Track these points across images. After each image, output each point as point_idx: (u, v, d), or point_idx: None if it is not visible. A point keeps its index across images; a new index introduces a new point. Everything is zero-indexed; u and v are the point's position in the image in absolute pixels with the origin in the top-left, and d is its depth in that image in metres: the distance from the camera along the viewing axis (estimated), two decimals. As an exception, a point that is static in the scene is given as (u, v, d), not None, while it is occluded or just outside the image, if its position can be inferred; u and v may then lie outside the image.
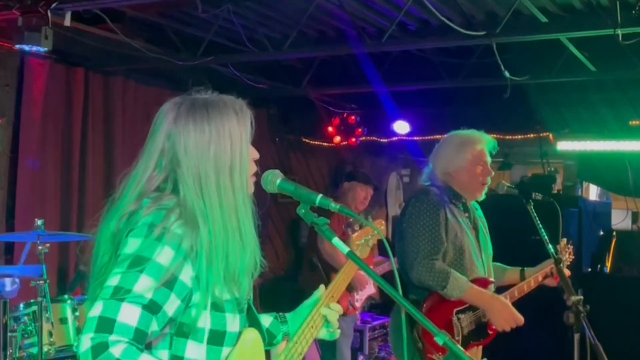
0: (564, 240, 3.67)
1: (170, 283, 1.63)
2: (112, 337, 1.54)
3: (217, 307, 1.72)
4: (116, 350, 1.53)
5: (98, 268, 1.74)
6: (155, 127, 1.82)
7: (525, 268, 3.68)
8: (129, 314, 1.57)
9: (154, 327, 1.61)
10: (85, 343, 1.54)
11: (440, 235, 3.35)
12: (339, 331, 2.16)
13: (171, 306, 1.64)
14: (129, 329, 1.56)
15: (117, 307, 1.57)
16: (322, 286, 2.17)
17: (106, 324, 1.55)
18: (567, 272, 3.52)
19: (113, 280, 1.61)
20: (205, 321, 1.71)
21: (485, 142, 3.56)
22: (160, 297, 1.61)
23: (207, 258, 1.69)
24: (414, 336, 3.24)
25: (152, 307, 1.60)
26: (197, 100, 1.82)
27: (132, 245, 1.66)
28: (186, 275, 1.66)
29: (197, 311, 1.70)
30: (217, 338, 1.73)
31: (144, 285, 1.60)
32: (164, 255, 1.63)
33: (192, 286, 1.68)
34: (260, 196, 1.89)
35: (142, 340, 1.59)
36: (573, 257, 3.75)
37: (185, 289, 1.66)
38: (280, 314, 2.16)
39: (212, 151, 1.76)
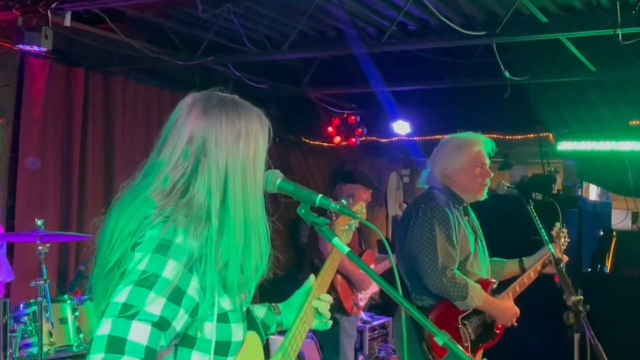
0: (557, 224, 3.65)
1: (178, 298, 1.60)
2: (125, 358, 1.51)
3: (223, 319, 1.71)
4: None
5: (106, 267, 1.69)
6: (177, 117, 1.78)
7: (524, 258, 3.68)
8: (140, 333, 1.53)
9: (162, 342, 1.59)
10: None
11: (454, 243, 3.36)
12: (331, 322, 2.15)
13: (180, 322, 1.61)
14: (140, 348, 1.53)
15: (128, 326, 1.53)
16: (312, 276, 2.17)
17: (117, 344, 1.51)
18: (565, 258, 3.54)
19: (120, 297, 1.57)
20: (211, 333, 1.69)
21: (482, 143, 3.55)
22: (169, 313, 1.58)
23: (222, 259, 1.67)
24: (423, 348, 3.23)
25: (161, 324, 1.57)
26: (224, 96, 1.82)
27: (138, 260, 1.61)
28: (193, 288, 1.63)
29: (203, 323, 1.67)
30: (222, 349, 1.71)
31: (153, 302, 1.56)
32: (172, 271, 1.60)
33: (198, 299, 1.65)
34: (271, 203, 1.88)
35: (152, 358, 1.56)
36: (569, 240, 3.75)
37: (192, 302, 1.63)
38: (273, 304, 2.15)
39: (241, 147, 1.75)
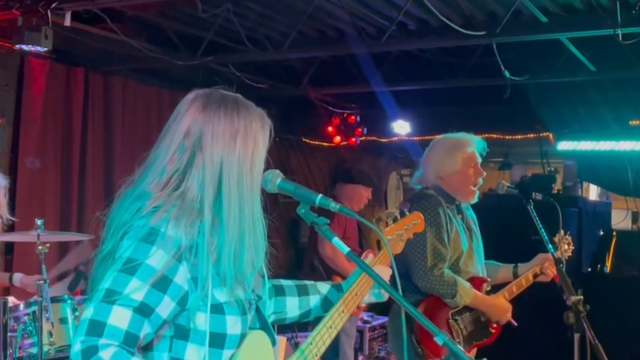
0: (561, 232, 3.66)
1: (163, 285, 1.62)
2: (102, 341, 1.54)
3: (216, 310, 1.71)
4: (106, 354, 1.53)
5: (100, 257, 1.73)
6: (178, 112, 1.80)
7: (519, 264, 3.69)
8: (120, 317, 1.56)
9: (147, 329, 1.61)
10: (76, 346, 1.54)
11: (444, 242, 3.37)
12: (386, 295, 2.17)
13: (165, 309, 1.63)
14: (119, 332, 1.56)
15: (108, 310, 1.57)
16: (370, 255, 2.21)
17: (96, 327, 1.55)
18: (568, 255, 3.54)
19: (106, 283, 1.61)
20: (205, 324, 1.70)
21: (475, 144, 3.56)
22: (152, 299, 1.60)
23: (215, 251, 1.69)
24: (412, 341, 3.24)
25: (143, 310, 1.59)
26: (227, 94, 1.83)
27: (125, 247, 1.65)
28: (181, 277, 1.65)
29: (195, 314, 1.69)
30: (217, 341, 1.72)
31: (135, 287, 1.59)
32: (156, 258, 1.63)
33: (188, 288, 1.66)
34: (269, 201, 1.89)
35: (133, 343, 1.58)
36: (573, 247, 3.75)
37: (180, 291, 1.65)
38: (336, 283, 2.21)
39: (238, 144, 1.76)
